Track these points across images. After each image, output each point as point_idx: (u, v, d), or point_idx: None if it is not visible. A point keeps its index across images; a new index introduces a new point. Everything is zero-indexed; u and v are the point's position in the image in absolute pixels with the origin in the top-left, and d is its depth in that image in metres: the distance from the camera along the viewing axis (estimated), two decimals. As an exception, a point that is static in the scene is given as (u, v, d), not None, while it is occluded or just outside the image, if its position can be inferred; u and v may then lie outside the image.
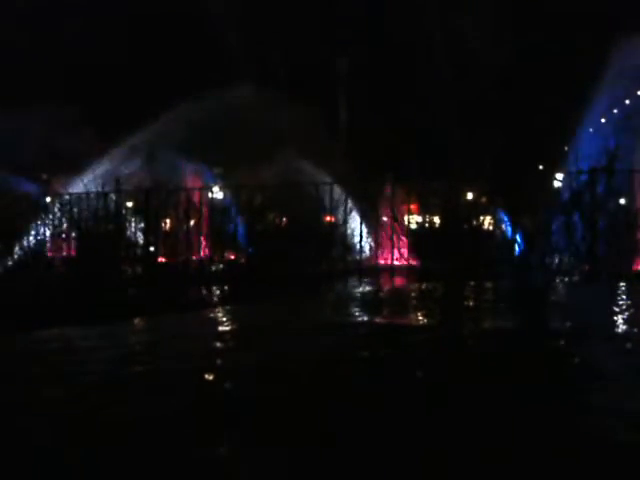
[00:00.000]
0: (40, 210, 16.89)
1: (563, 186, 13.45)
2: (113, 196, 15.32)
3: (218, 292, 13.29)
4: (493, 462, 2.78)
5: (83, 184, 16.56)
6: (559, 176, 14.08)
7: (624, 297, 9.22)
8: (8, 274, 15.75)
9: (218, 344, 5.75)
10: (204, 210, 15.50)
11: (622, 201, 13.10)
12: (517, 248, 11.78)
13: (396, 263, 14.12)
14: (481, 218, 13.41)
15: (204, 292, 13.02)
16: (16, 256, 16.55)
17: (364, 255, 15.29)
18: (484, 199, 13.84)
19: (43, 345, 5.84)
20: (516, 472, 2.74)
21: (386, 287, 12.62)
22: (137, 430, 3.23)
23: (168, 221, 16.23)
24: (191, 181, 18.29)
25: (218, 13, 26.88)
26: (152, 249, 15.09)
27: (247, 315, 8.69)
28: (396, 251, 14.29)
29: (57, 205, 16.54)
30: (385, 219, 15.34)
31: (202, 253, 15.23)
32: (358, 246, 15.10)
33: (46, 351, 5.49)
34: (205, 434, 3.16)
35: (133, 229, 15.31)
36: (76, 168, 19.34)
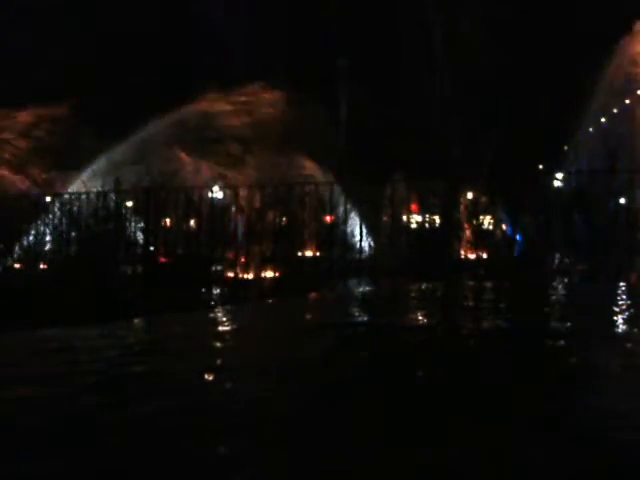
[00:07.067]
0: (40, 210, 16.89)
1: (563, 186, 13.46)
2: (113, 195, 15.32)
3: (218, 292, 13.31)
4: (493, 462, 2.79)
5: (83, 183, 16.60)
6: (559, 176, 14.09)
7: (624, 297, 9.23)
8: (8, 274, 15.77)
9: (218, 344, 5.76)
10: (204, 210, 15.49)
11: (622, 201, 13.11)
12: (517, 248, 11.80)
13: (395, 262, 14.12)
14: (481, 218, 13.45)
15: (204, 292, 13.03)
16: (16, 256, 16.56)
17: (364, 255, 15.29)
18: (484, 199, 13.87)
19: (43, 345, 5.84)
20: (516, 471, 2.75)
21: (386, 287, 12.62)
22: (136, 430, 3.23)
23: (168, 220, 16.22)
24: (191, 180, 18.28)
25: (218, 12, 26.90)
26: (152, 249, 15.09)
27: (247, 315, 8.70)
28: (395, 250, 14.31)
29: (57, 205, 16.54)
30: (385, 219, 15.36)
31: (202, 253, 15.22)
32: (358, 246, 15.10)
33: (46, 351, 5.50)
34: (205, 434, 3.16)
35: (133, 229, 15.32)
36: (76, 167, 19.36)
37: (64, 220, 15.94)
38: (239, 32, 27.69)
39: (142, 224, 15.22)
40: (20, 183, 19.81)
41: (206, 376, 4.42)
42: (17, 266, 16.26)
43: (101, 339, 5.97)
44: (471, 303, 9.28)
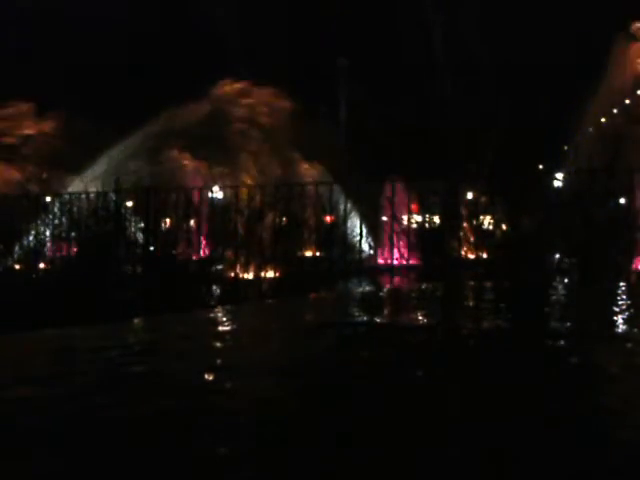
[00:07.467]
0: (40, 209, 16.88)
1: (563, 186, 13.46)
2: (113, 196, 15.29)
3: (218, 292, 13.31)
4: (493, 462, 2.79)
5: (83, 184, 16.60)
6: (559, 176, 14.09)
7: (623, 297, 9.22)
8: (8, 274, 15.77)
9: (218, 344, 5.76)
10: (204, 210, 15.49)
11: (622, 201, 13.10)
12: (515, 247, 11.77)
13: (395, 263, 14.13)
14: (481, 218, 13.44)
15: (204, 292, 13.03)
16: (16, 256, 16.56)
17: (364, 255, 15.29)
18: (484, 199, 13.86)
19: (43, 345, 5.84)
20: (516, 471, 2.75)
21: (386, 287, 12.63)
22: (136, 430, 3.23)
23: (168, 220, 16.21)
24: (191, 180, 18.29)
25: (218, 12, 26.89)
26: (152, 249, 15.08)
27: (247, 315, 8.69)
28: (396, 251, 14.30)
29: (57, 204, 16.54)
30: (385, 218, 15.36)
31: (202, 253, 15.22)
32: (358, 246, 15.10)
33: (46, 351, 5.50)
34: (205, 434, 3.16)
35: (133, 229, 15.30)
36: (76, 167, 19.37)
37: (64, 220, 15.94)
38: (239, 31, 27.69)
39: (142, 224, 15.20)
40: (21, 183, 19.83)
41: (206, 376, 4.42)
42: (17, 266, 16.25)
43: (101, 339, 5.96)
44: (471, 303, 9.28)
